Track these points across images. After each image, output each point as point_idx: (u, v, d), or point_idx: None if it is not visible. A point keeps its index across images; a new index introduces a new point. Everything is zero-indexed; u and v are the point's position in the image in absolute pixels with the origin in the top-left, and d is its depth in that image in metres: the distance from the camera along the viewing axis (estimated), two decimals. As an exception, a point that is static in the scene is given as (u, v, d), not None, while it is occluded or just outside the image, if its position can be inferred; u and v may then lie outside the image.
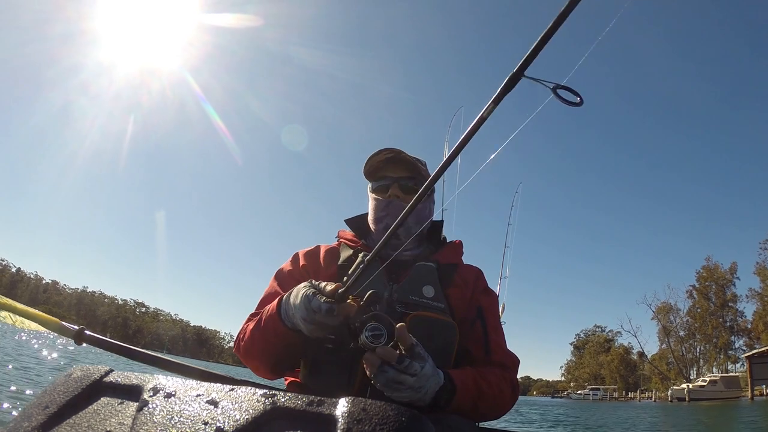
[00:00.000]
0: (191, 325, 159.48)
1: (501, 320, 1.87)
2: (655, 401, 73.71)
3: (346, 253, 1.79)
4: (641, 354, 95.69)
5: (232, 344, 1.83)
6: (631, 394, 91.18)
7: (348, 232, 1.91)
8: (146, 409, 0.92)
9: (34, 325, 1.90)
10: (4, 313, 1.95)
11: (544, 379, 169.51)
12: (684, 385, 64.43)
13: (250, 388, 0.98)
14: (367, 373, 1.32)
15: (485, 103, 1.22)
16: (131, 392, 0.98)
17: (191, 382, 0.99)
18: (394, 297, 1.62)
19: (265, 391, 0.96)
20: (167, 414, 0.91)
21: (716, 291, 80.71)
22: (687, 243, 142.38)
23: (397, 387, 1.30)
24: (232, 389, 0.97)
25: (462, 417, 1.51)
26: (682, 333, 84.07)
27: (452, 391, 1.45)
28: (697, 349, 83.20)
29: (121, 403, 0.97)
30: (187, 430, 0.88)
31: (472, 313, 1.75)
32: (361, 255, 1.73)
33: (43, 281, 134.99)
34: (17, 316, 1.91)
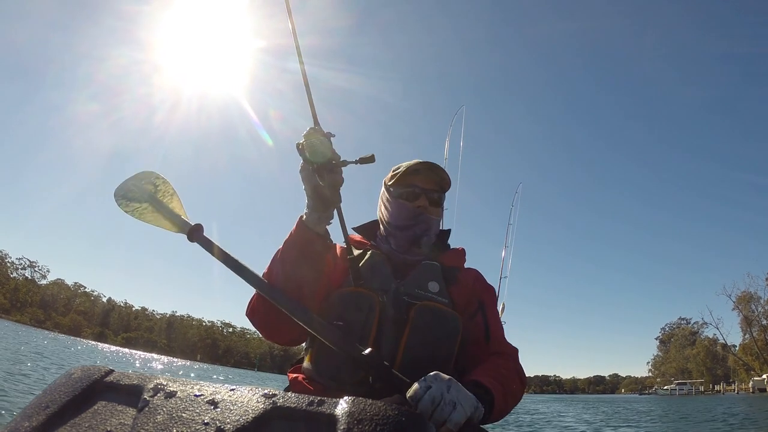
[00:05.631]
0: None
1: (501, 320, 1.92)
2: (737, 393, 70.77)
3: (356, 252, 1.85)
4: (724, 346, 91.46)
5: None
6: (717, 388, 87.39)
7: (356, 235, 2.01)
8: (147, 409, 0.94)
9: (157, 222, 1.82)
10: (145, 205, 1.86)
11: (632, 375, 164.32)
12: (765, 376, 61.44)
13: (250, 388, 0.99)
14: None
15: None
16: (132, 392, 0.99)
17: (192, 382, 1.01)
18: (401, 289, 1.71)
19: (265, 391, 0.97)
20: (168, 414, 0.93)
21: (796, 276, 76.44)
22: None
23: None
24: (233, 389, 0.98)
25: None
26: (764, 322, 79.92)
27: (491, 400, 1.47)
28: (781, 338, 78.98)
29: (122, 403, 0.99)
30: (188, 430, 0.89)
31: (474, 306, 1.82)
32: (370, 253, 1.84)
33: (133, 308, 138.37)
34: (154, 210, 1.84)
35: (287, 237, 1.65)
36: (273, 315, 1.58)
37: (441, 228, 2.03)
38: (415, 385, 1.30)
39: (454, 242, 2.02)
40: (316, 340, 1.66)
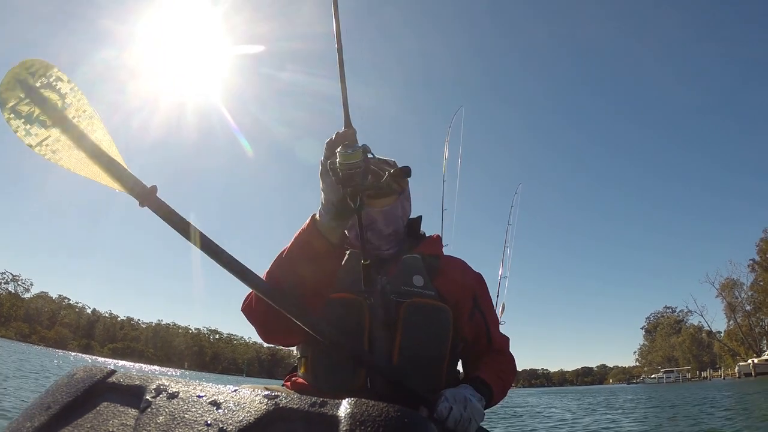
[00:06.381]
0: (265, 346, 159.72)
1: (500, 320, 1.98)
2: (724, 379, 71.78)
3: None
4: (709, 333, 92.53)
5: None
6: (703, 374, 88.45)
7: None
8: (149, 410, 0.93)
9: (85, 169, 1.23)
10: (54, 134, 1.23)
11: (619, 366, 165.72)
12: (750, 361, 62.28)
13: (252, 389, 1.00)
14: None
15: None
16: (134, 393, 0.99)
17: (194, 383, 1.01)
18: (387, 288, 1.68)
19: (267, 392, 0.97)
20: (170, 415, 0.92)
21: (778, 262, 77.34)
22: (748, 215, 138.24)
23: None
24: (235, 390, 0.98)
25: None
26: (748, 307, 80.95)
27: (491, 393, 1.72)
28: (765, 322, 79.96)
29: (124, 404, 0.98)
30: (190, 431, 0.89)
31: (469, 303, 1.85)
32: (349, 253, 1.79)
33: (118, 318, 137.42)
34: (72, 147, 1.22)
35: (297, 235, 1.54)
36: (272, 314, 1.45)
37: (410, 216, 1.98)
38: (440, 405, 1.50)
39: (456, 242, 2.01)
40: (309, 348, 1.67)
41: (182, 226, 1.26)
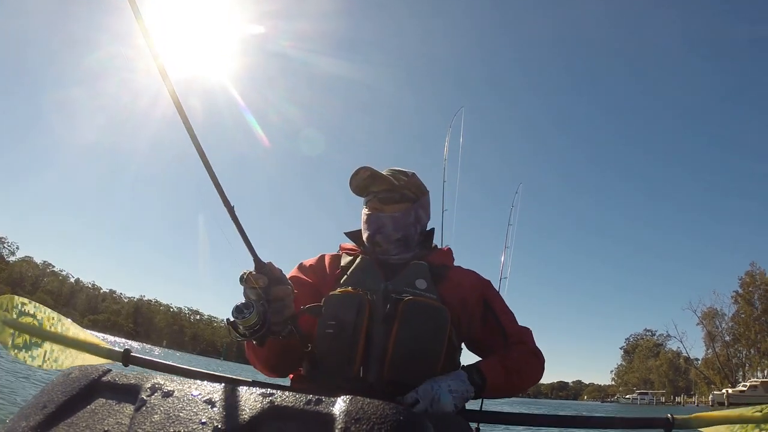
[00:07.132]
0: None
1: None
2: (697, 405, 72.49)
3: (346, 259, 1.98)
4: (687, 359, 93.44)
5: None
6: (677, 399, 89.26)
7: (348, 244, 2.10)
8: (144, 408, 0.93)
9: (79, 360, 1.56)
10: (47, 347, 1.55)
11: (595, 383, 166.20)
12: (724, 390, 62.83)
13: (248, 387, 1.00)
14: None
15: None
16: (129, 392, 0.99)
17: (189, 382, 1.01)
18: (390, 288, 1.78)
19: (263, 390, 0.98)
20: (165, 414, 0.93)
21: (760, 296, 78.42)
22: (736, 248, 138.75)
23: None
24: (231, 389, 0.98)
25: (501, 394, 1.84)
26: (727, 338, 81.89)
27: (484, 379, 1.70)
28: (742, 354, 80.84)
29: (119, 403, 0.98)
30: (185, 429, 0.89)
31: (479, 306, 1.94)
32: (360, 258, 1.93)
33: (101, 290, 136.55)
34: (63, 348, 1.54)
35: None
36: (268, 370, 1.79)
37: (426, 227, 2.09)
38: (408, 394, 1.57)
39: (456, 243, 2.04)
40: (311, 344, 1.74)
41: (166, 368, 1.57)
